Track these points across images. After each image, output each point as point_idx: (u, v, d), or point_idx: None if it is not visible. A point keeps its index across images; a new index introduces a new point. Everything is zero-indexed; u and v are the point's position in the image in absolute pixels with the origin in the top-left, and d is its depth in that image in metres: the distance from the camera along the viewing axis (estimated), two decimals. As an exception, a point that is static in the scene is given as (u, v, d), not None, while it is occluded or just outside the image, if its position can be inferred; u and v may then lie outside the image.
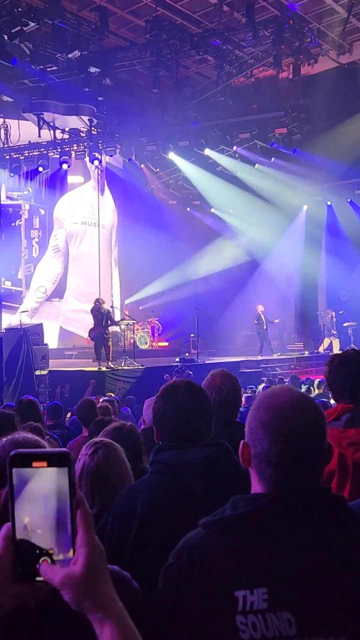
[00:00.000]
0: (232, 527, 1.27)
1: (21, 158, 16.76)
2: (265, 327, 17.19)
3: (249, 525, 1.26)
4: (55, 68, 13.70)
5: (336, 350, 17.55)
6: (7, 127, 16.58)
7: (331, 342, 18.75)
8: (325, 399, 8.17)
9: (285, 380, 13.80)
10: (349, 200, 19.17)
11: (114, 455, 2.38)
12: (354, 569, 1.23)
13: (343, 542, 1.25)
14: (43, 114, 15.60)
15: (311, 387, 10.94)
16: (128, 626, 0.90)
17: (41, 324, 14.40)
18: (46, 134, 16.26)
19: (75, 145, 16.81)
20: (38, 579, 0.89)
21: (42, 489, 0.89)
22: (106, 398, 8.09)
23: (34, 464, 0.89)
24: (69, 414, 8.63)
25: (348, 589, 1.21)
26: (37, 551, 0.89)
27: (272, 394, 1.38)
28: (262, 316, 17.08)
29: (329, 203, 19.80)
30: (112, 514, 2.00)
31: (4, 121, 16.52)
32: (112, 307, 15.78)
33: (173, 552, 1.33)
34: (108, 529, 1.97)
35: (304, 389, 10.63)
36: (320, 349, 18.85)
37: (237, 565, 1.23)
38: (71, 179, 18.57)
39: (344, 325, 18.64)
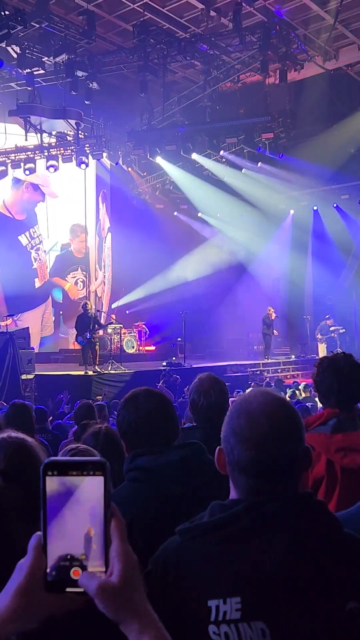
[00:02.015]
0: (207, 534, 1.24)
1: (7, 161, 16.69)
2: (272, 329, 17.22)
3: (223, 532, 1.23)
4: (42, 71, 13.68)
5: (322, 354, 17.62)
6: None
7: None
8: (310, 403, 8.20)
9: (271, 384, 13.83)
10: (335, 205, 19.28)
11: None
12: (330, 578, 1.19)
13: (321, 550, 1.22)
14: (30, 118, 15.56)
15: (296, 391, 10.97)
16: (165, 636, 0.90)
17: (27, 328, 14.30)
18: (33, 138, 16.22)
19: (62, 148, 16.77)
20: (69, 589, 0.87)
21: (77, 497, 0.87)
22: (97, 403, 8.04)
23: (69, 472, 0.88)
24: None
25: (324, 598, 1.18)
26: (68, 561, 0.87)
27: (245, 400, 1.35)
28: (271, 319, 17.11)
29: (315, 208, 19.90)
30: None
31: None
32: (99, 311, 15.75)
33: (152, 559, 1.32)
34: None
35: (289, 392, 10.66)
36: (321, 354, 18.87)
37: (211, 573, 1.21)
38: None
39: (331, 329, 18.72)
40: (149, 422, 2.04)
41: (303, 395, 10.68)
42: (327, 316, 18.92)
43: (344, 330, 18.40)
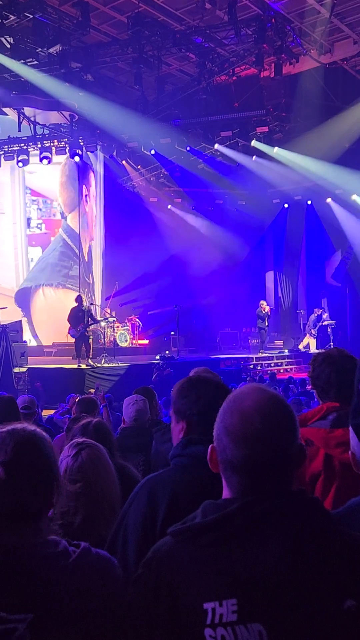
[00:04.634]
0: (200, 535, 1.23)
1: (0, 153, 16.59)
2: (266, 323, 17.24)
3: (217, 533, 1.21)
4: (36, 62, 13.57)
5: (313, 349, 17.68)
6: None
7: (309, 341, 18.88)
8: (303, 397, 8.21)
9: (265, 378, 13.86)
10: (329, 199, 19.30)
11: (98, 456, 2.27)
12: (327, 576, 1.18)
13: (316, 548, 1.20)
14: (23, 109, 15.45)
15: (290, 386, 10.98)
16: None
17: (20, 321, 14.25)
18: (26, 129, 16.12)
19: (55, 140, 16.68)
20: None
21: None
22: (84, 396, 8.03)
23: None
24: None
25: (321, 598, 1.16)
26: None
27: (238, 397, 1.32)
28: (265, 312, 17.14)
29: (309, 202, 19.91)
30: (133, 509, 1.88)
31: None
32: (92, 304, 15.70)
33: (143, 562, 1.30)
34: (132, 521, 1.84)
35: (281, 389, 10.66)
36: (300, 347, 18.97)
37: (206, 575, 1.19)
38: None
39: (324, 324, 18.77)
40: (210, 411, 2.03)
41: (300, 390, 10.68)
42: (320, 311, 18.96)
43: (333, 322, 18.46)
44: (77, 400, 5.59)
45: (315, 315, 18.90)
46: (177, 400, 2.06)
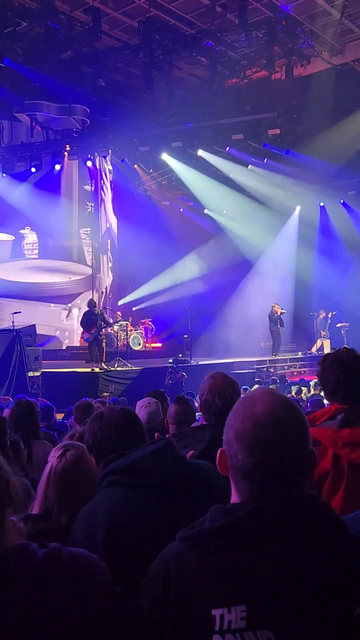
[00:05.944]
0: (209, 540, 1.21)
1: (14, 159, 16.72)
2: (279, 326, 17.19)
3: (226, 538, 1.20)
4: (48, 68, 13.68)
5: (327, 350, 17.58)
6: (1, 127, 16.54)
7: (322, 343, 18.80)
8: (320, 398, 8.18)
9: (276, 380, 13.82)
10: (341, 201, 19.22)
11: (82, 458, 2.26)
12: (337, 582, 1.16)
13: (326, 554, 1.19)
14: (36, 115, 15.58)
15: (302, 388, 10.95)
16: None
17: (34, 325, 14.32)
18: (39, 135, 16.24)
19: (68, 145, 16.78)
20: None
21: None
22: (99, 400, 8.05)
23: None
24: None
25: (332, 604, 1.15)
26: None
27: (249, 401, 1.30)
28: (277, 315, 17.08)
29: (321, 204, 19.84)
30: (73, 540, 1.86)
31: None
32: (105, 308, 15.76)
33: (151, 567, 1.29)
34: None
35: (294, 390, 10.63)
36: (313, 350, 18.89)
37: (214, 581, 1.17)
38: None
39: (337, 326, 18.67)
40: (115, 432, 2.08)
41: (312, 392, 10.65)
42: (334, 312, 18.85)
43: (347, 324, 18.35)
44: (74, 406, 5.57)
45: (321, 316, 18.83)
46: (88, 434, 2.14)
